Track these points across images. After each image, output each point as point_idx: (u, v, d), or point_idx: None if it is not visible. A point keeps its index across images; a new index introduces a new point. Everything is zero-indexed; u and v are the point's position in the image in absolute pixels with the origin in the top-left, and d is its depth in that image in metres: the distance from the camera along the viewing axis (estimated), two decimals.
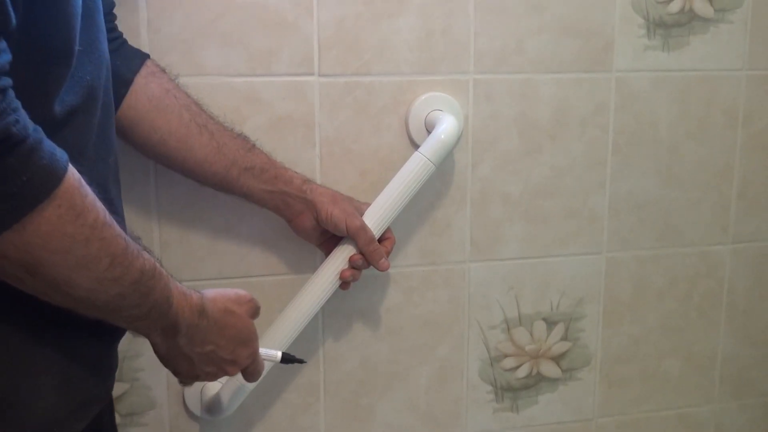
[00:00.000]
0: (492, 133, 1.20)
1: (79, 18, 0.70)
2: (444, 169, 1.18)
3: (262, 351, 0.93)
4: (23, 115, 0.61)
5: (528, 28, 1.18)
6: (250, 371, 0.90)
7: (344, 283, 1.09)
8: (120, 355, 1.10)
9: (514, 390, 1.30)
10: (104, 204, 0.68)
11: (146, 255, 0.72)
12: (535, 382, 1.31)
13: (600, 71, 1.22)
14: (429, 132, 1.13)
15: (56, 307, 0.70)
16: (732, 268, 1.35)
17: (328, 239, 1.10)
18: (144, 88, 0.97)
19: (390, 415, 1.25)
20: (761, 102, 1.30)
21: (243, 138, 1.03)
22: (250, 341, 0.87)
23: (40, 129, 0.62)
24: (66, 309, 0.70)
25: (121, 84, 0.95)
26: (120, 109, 0.95)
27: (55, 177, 0.62)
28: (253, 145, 1.03)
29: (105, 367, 0.81)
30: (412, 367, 1.25)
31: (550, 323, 1.29)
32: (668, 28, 1.23)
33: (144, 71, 0.98)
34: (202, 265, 1.13)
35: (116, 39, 0.97)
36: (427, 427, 1.27)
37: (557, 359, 1.31)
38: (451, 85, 1.16)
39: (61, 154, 0.63)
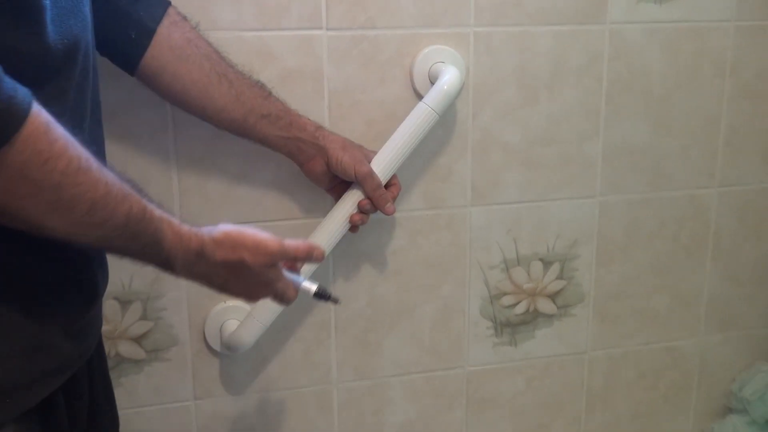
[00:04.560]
0: (492, 84, 1.20)
1: None
2: (446, 118, 1.18)
3: (294, 279, 0.89)
4: None
5: None
6: (278, 299, 0.88)
7: (353, 227, 1.09)
8: (144, 296, 1.13)
9: (512, 325, 1.31)
10: None
11: (135, 198, 0.69)
12: (532, 318, 1.32)
13: (594, 23, 1.21)
14: (432, 83, 1.12)
15: (25, 271, 0.68)
16: (718, 210, 1.35)
17: (338, 184, 1.10)
18: (167, 38, 0.95)
19: (397, 350, 1.27)
20: (749, 52, 1.29)
21: (260, 86, 1.02)
22: (265, 285, 0.84)
23: None
24: (36, 274, 0.69)
25: (144, 34, 0.93)
26: (143, 58, 0.94)
27: (15, 122, 0.58)
28: (270, 93, 1.03)
29: (79, 331, 0.77)
30: (417, 305, 1.26)
31: (547, 263, 1.30)
32: None
33: (166, 21, 0.95)
34: (220, 210, 1.13)
35: None
36: (431, 360, 1.29)
37: (553, 297, 1.32)
38: (453, 38, 1.15)
39: (23, 95, 0.58)
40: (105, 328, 1.13)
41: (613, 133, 1.27)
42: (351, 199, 1.08)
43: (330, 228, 1.09)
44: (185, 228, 0.76)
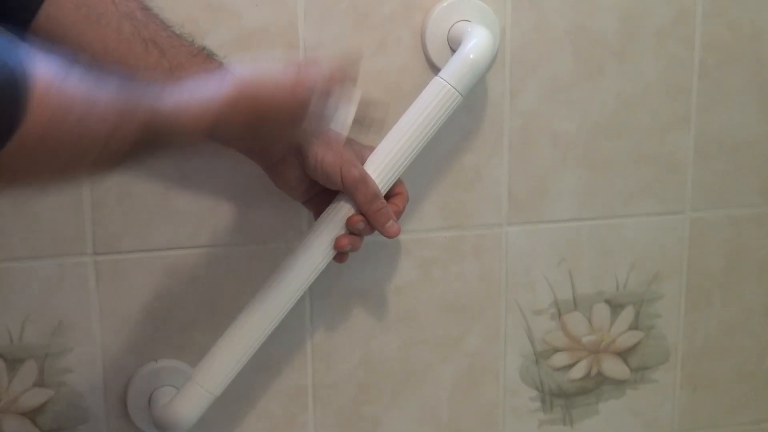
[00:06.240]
0: (538, 51, 1.20)
1: None
2: (473, 99, 1.18)
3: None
4: None
5: None
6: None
7: (340, 254, 1.09)
8: (41, 351, 1.14)
9: (567, 396, 1.32)
10: None
11: (152, 89, 0.81)
12: (596, 385, 1.32)
13: None
14: (453, 50, 1.13)
15: None
16: None
17: (319, 194, 1.10)
18: None
19: (401, 428, 1.27)
20: None
21: (205, 55, 1.03)
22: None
23: None
24: None
25: None
26: (36, 19, 0.94)
27: (20, 100, 0.67)
28: (220, 65, 1.03)
29: None
30: (430, 366, 1.26)
31: (616, 306, 1.30)
32: None
33: None
34: (148, 231, 1.14)
35: None
36: None
37: (625, 354, 1.32)
38: None
39: (14, 63, 0.67)
40: None
41: (709, 120, 1.28)
42: (337, 216, 1.08)
43: (307, 257, 1.09)
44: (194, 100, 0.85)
